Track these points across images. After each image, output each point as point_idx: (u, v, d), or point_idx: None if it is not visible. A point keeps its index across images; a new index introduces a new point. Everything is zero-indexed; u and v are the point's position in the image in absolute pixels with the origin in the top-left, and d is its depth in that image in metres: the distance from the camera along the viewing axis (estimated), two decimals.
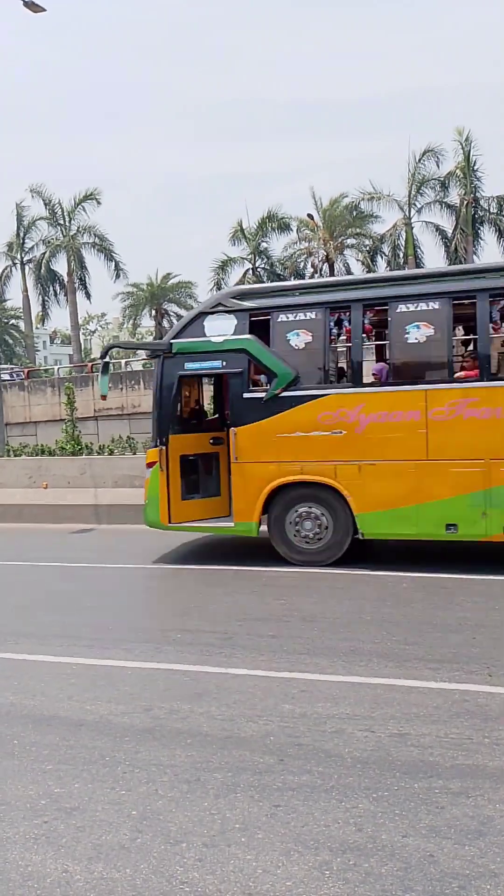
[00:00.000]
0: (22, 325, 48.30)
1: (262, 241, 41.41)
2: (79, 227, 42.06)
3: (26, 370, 36.93)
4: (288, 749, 3.97)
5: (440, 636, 5.84)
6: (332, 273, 40.51)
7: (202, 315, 8.73)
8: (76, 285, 42.65)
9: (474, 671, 5.03)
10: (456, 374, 8.03)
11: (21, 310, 47.39)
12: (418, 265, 39.45)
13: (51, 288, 43.66)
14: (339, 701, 4.57)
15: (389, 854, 3.02)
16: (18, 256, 44.38)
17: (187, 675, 5.14)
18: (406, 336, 7.95)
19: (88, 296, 44.10)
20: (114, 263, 42.18)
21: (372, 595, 7.28)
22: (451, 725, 4.19)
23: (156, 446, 8.93)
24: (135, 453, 14.05)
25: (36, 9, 17.51)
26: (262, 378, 8.56)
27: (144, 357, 50.97)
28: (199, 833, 3.20)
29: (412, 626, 6.10)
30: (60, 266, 43.15)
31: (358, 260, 40.73)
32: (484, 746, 3.92)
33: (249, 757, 3.89)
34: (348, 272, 41.15)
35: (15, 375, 36.25)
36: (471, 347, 8.73)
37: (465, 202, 37.92)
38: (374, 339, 8.85)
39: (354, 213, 39.69)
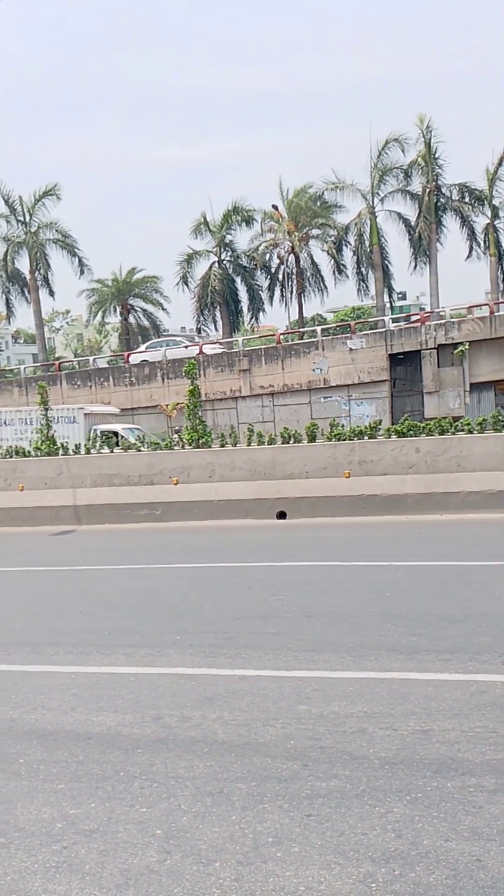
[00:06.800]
0: None
1: (227, 234, 41.06)
2: (40, 224, 41.24)
3: None
4: (310, 753, 3.80)
5: (445, 626, 5.73)
6: (297, 264, 40.38)
7: None
8: (39, 283, 41.84)
9: (487, 660, 4.92)
10: None
11: None
12: (383, 255, 39.55)
13: (13, 286, 42.75)
14: (355, 699, 4.42)
15: (435, 861, 2.87)
16: None
17: (193, 678, 4.94)
18: None
19: (52, 293, 43.35)
20: (77, 259, 41.51)
21: (368, 587, 7.15)
22: (473, 719, 4.06)
23: None
24: (112, 451, 13.75)
25: None
26: None
27: (111, 353, 50.37)
28: (232, 850, 3.02)
29: (415, 617, 5.99)
30: (23, 264, 42.29)
31: (323, 250, 40.65)
32: None
33: (272, 763, 3.71)
34: (313, 263, 41.08)
35: None
36: None
37: (428, 190, 38.07)
38: None
39: (318, 203, 39.57)
